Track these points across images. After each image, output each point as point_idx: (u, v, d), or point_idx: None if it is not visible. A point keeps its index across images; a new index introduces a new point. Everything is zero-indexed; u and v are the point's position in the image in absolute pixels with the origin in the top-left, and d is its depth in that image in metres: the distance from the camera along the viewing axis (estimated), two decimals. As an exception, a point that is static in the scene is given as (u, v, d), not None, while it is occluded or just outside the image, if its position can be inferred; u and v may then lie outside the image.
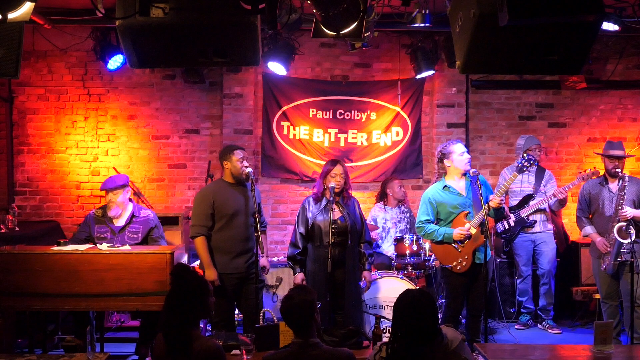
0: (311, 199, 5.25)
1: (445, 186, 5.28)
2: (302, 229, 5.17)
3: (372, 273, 5.93)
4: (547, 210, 6.52)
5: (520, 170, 5.38)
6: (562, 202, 6.48)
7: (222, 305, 5.04)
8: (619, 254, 5.58)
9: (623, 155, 5.81)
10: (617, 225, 5.56)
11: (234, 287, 5.06)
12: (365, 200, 7.46)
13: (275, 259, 6.68)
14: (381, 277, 5.71)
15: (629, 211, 5.56)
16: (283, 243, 7.26)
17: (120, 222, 5.41)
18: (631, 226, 5.48)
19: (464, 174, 5.28)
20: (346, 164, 7.33)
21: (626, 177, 5.66)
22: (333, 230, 5.04)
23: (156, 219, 5.57)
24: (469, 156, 5.31)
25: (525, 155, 5.50)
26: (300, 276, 5.13)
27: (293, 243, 5.21)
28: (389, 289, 5.58)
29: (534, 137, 6.78)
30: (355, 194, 7.41)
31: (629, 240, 5.47)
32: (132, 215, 5.44)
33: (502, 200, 5.19)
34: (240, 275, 5.06)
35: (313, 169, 7.35)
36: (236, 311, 5.46)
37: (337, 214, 5.15)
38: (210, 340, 3.34)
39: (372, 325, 4.58)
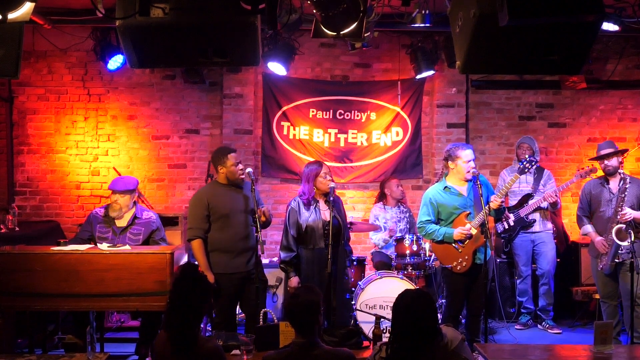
0: (300, 202, 5.20)
1: (446, 187, 5.27)
2: (293, 232, 5.14)
3: (372, 273, 5.96)
4: (547, 208, 6.52)
5: (522, 172, 5.38)
6: (554, 205, 6.47)
7: (224, 306, 5.03)
8: (616, 255, 5.58)
9: (611, 152, 5.78)
10: (615, 227, 5.55)
11: (236, 287, 5.04)
12: (365, 200, 7.48)
13: (275, 259, 6.68)
14: (381, 277, 5.71)
15: (629, 213, 5.55)
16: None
17: (122, 223, 5.39)
18: (630, 229, 5.47)
19: (466, 180, 5.26)
20: (346, 164, 7.41)
21: (627, 179, 5.65)
22: (326, 231, 5.03)
23: (158, 221, 5.54)
24: (474, 165, 5.24)
25: (527, 157, 5.50)
26: (296, 280, 5.11)
27: (285, 247, 5.16)
28: (389, 289, 5.57)
29: (527, 137, 6.82)
30: (355, 193, 7.48)
31: (627, 242, 5.46)
32: (135, 217, 5.41)
33: (502, 201, 5.18)
34: (242, 275, 5.05)
35: (313, 169, 7.35)
36: (238, 311, 5.45)
37: (328, 213, 5.14)
38: (210, 341, 3.35)
39: (372, 325, 4.58)
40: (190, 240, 5.07)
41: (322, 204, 5.19)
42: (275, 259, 6.66)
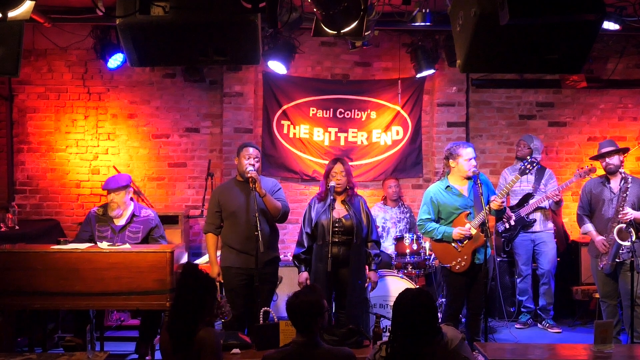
0: (316, 199, 5.25)
1: (448, 186, 5.26)
2: (307, 229, 5.15)
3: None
4: (548, 208, 6.52)
5: (523, 173, 5.36)
6: (558, 203, 6.47)
7: (232, 300, 5.03)
8: (617, 255, 5.57)
9: (613, 150, 5.78)
10: (617, 227, 5.54)
11: (243, 283, 5.04)
12: (365, 200, 7.46)
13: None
14: (381, 277, 5.71)
15: (630, 213, 5.54)
16: (283, 242, 7.25)
17: (121, 222, 5.39)
18: (631, 228, 5.46)
19: (467, 178, 5.25)
20: (346, 163, 7.39)
21: (629, 179, 5.64)
22: (335, 229, 5.01)
23: (157, 218, 5.54)
24: (475, 163, 5.24)
25: (528, 157, 5.49)
26: (304, 275, 5.11)
27: (299, 242, 5.20)
28: (389, 288, 5.59)
29: (526, 135, 6.90)
30: (355, 192, 7.47)
31: (628, 242, 5.46)
32: (133, 215, 5.41)
33: (503, 202, 5.16)
34: (248, 272, 5.02)
35: (313, 167, 7.36)
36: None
37: (342, 212, 5.12)
38: (202, 329, 3.34)
39: (372, 325, 4.58)
40: (204, 233, 5.31)
41: (338, 203, 5.17)
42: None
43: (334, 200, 5.07)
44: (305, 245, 5.14)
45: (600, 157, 5.85)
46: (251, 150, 5.11)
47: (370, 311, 5.37)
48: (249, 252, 5.00)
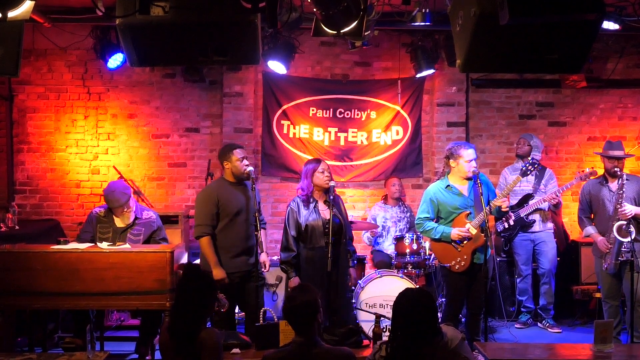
0: (299, 201, 5.16)
1: (448, 185, 5.26)
2: (293, 232, 5.10)
3: (372, 272, 5.96)
4: (547, 209, 6.52)
5: (524, 174, 5.35)
6: (557, 205, 6.47)
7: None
8: (620, 253, 5.55)
9: (622, 156, 5.80)
10: (616, 224, 5.54)
11: (236, 285, 5.05)
12: (365, 199, 7.48)
13: (275, 257, 6.67)
14: (381, 276, 5.71)
15: (629, 209, 5.54)
16: (283, 242, 7.26)
17: (122, 224, 5.35)
18: (631, 225, 5.46)
19: (467, 178, 5.25)
20: (346, 163, 7.41)
21: (624, 176, 5.64)
22: (327, 230, 5.00)
23: (159, 220, 5.49)
24: (476, 164, 5.23)
25: (529, 158, 5.47)
26: (296, 280, 5.07)
27: (285, 247, 5.13)
28: (389, 288, 5.57)
29: (526, 134, 6.89)
30: (355, 192, 7.49)
31: (629, 239, 5.46)
32: (135, 217, 5.34)
33: (504, 201, 5.16)
34: (242, 274, 5.05)
35: (313, 167, 7.36)
36: (236, 310, 5.45)
37: (328, 212, 5.10)
38: (203, 330, 3.35)
39: (372, 324, 4.57)
40: (198, 237, 5.03)
41: (321, 203, 5.16)
42: (275, 257, 6.66)
43: (332, 199, 5.05)
44: (294, 249, 5.10)
45: (610, 157, 5.80)
46: (241, 151, 5.16)
47: (356, 307, 5.40)
48: (244, 253, 5.02)
